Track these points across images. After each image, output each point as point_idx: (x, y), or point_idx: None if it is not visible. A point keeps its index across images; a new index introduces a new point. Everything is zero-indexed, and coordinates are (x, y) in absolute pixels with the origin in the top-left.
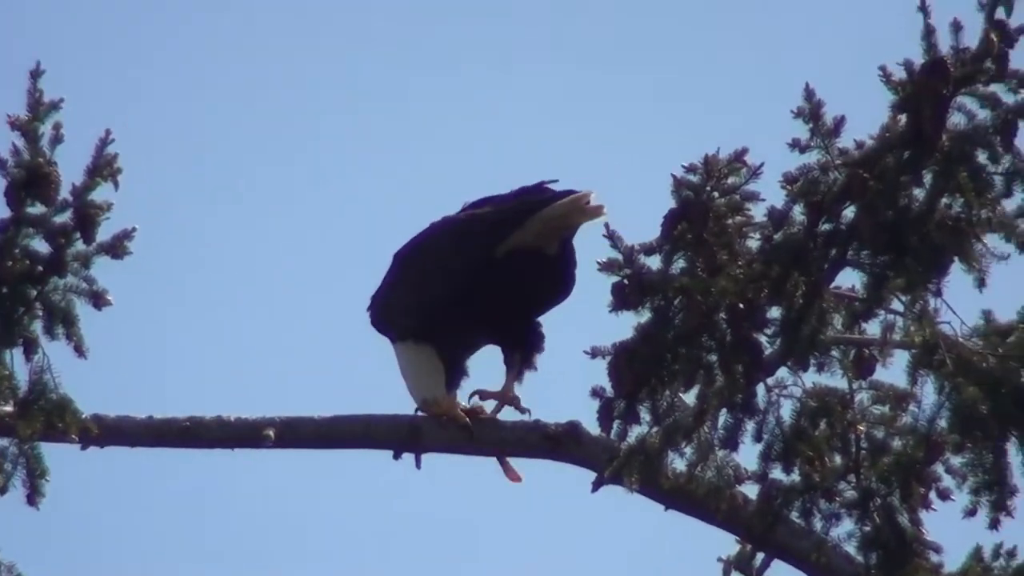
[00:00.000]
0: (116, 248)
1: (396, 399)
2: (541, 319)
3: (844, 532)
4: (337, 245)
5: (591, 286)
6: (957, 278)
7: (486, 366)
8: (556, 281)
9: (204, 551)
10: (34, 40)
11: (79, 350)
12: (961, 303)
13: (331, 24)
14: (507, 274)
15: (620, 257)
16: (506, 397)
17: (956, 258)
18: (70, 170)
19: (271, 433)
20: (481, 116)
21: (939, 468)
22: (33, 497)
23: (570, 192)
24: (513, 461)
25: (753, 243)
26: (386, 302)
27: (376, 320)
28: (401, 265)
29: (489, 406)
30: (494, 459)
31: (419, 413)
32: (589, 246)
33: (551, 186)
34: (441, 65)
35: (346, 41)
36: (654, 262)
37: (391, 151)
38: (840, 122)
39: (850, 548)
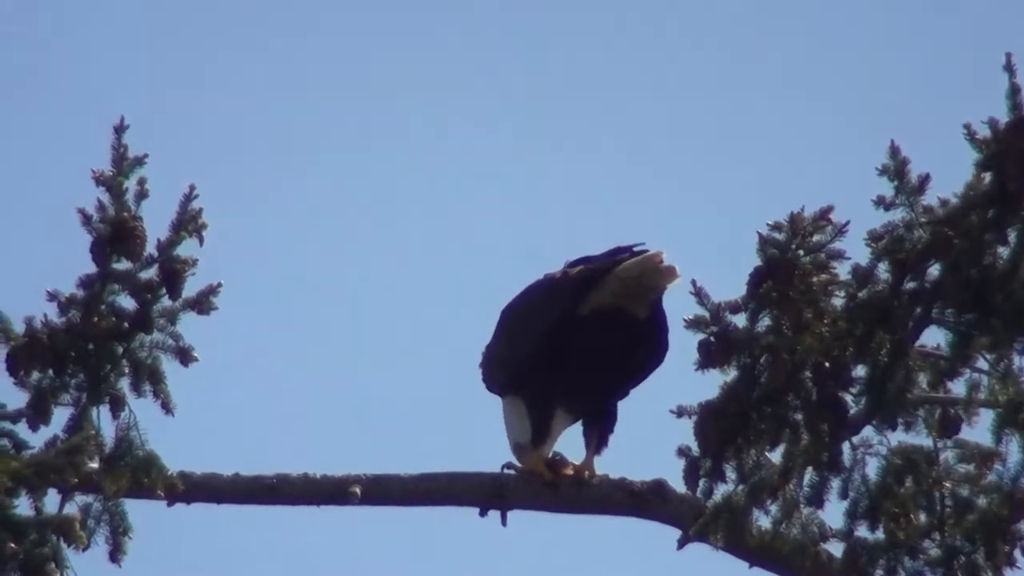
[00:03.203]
0: (202, 304)
1: (483, 457)
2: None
3: None
4: (428, 302)
5: (677, 343)
6: None
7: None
8: (644, 344)
9: None
10: (117, 94)
11: (166, 407)
12: None
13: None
14: (592, 333)
15: (707, 314)
16: (584, 470)
17: None
18: (155, 225)
19: (357, 491)
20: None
21: None
22: (115, 554)
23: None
24: (600, 518)
25: (838, 301)
26: (489, 356)
27: (484, 376)
28: (502, 320)
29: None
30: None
31: (505, 471)
32: (676, 305)
33: (638, 248)
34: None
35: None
36: (740, 320)
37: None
38: (925, 179)
39: None
